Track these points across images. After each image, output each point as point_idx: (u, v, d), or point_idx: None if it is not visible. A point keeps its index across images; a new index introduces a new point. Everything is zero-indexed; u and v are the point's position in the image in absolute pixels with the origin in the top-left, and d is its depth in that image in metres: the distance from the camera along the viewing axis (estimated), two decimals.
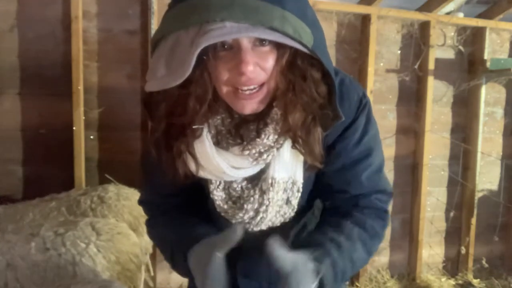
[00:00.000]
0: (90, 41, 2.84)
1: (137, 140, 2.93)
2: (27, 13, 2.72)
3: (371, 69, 3.35)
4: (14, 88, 2.74)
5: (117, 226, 1.94)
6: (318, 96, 0.90)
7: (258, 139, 0.94)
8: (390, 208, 1.11)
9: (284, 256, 0.85)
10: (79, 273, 1.57)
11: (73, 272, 1.57)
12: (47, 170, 2.82)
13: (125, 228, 1.99)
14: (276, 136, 0.95)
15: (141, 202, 1.23)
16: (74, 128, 2.75)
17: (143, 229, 2.23)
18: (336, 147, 1.02)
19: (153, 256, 2.80)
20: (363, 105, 1.03)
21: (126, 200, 2.32)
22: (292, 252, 0.86)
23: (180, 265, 1.02)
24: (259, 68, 0.86)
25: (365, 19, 3.36)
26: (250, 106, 0.90)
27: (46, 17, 2.75)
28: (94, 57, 2.87)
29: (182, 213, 1.13)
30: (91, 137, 2.89)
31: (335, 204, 1.07)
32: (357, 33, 3.42)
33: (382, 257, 3.75)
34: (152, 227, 1.19)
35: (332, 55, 3.35)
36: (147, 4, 2.89)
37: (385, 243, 3.73)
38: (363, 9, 3.32)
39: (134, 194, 2.42)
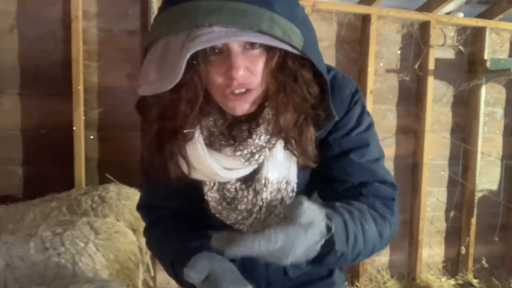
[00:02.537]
0: (90, 41, 2.85)
1: (137, 140, 2.93)
2: (27, 13, 2.72)
3: (371, 69, 3.35)
4: (14, 88, 2.74)
5: (115, 225, 1.94)
6: (309, 97, 0.90)
7: (249, 140, 0.94)
8: (396, 199, 1.07)
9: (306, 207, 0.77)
10: (79, 272, 1.57)
11: (73, 271, 1.57)
12: (47, 170, 2.82)
13: (123, 227, 1.99)
14: (268, 136, 0.95)
15: (139, 207, 1.23)
16: (74, 128, 2.75)
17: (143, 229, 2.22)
18: (327, 139, 1.01)
19: (153, 257, 2.79)
20: (355, 100, 1.02)
21: (127, 200, 2.32)
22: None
23: (182, 280, 1.02)
24: (250, 72, 0.86)
25: (365, 19, 3.36)
26: (241, 107, 0.90)
27: (46, 17, 2.76)
28: (94, 57, 2.87)
29: (179, 222, 1.13)
30: (91, 137, 2.89)
31: (338, 197, 1.04)
32: (357, 33, 3.42)
33: (382, 257, 3.75)
34: (150, 239, 1.20)
35: (332, 55, 3.35)
36: (147, 4, 2.89)
37: None
38: (363, 9, 3.32)
39: (135, 194, 2.42)
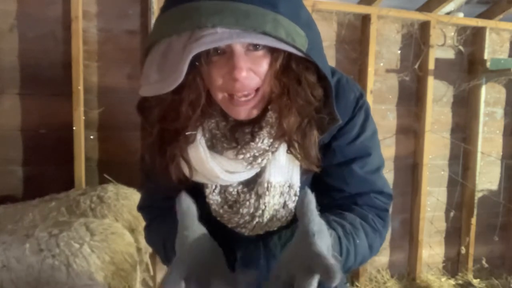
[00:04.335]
0: (90, 41, 2.84)
1: (137, 140, 2.93)
2: (27, 13, 2.72)
3: (371, 69, 3.35)
4: (14, 88, 2.73)
5: (111, 226, 1.93)
6: (313, 100, 0.89)
7: (252, 143, 0.93)
8: (390, 210, 1.09)
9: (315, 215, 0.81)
10: (73, 274, 1.57)
11: (67, 273, 1.57)
12: (47, 170, 2.82)
13: (120, 228, 1.99)
14: (271, 140, 0.94)
15: (140, 208, 1.22)
16: (74, 128, 2.75)
17: (143, 228, 2.23)
18: (331, 146, 1.01)
19: (153, 256, 2.80)
20: (359, 105, 1.01)
21: (126, 200, 2.32)
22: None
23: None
24: (253, 73, 0.85)
25: (365, 19, 3.35)
26: (245, 112, 0.90)
27: (46, 17, 2.75)
28: (94, 57, 2.86)
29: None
30: (91, 137, 2.89)
31: (334, 204, 1.05)
32: (357, 33, 3.41)
33: (382, 257, 3.75)
34: (149, 232, 1.19)
35: (332, 55, 3.35)
36: (147, 4, 2.89)
37: (385, 243, 3.73)
38: (363, 9, 3.32)
39: (133, 194, 2.42)
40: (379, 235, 1.03)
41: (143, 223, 1.78)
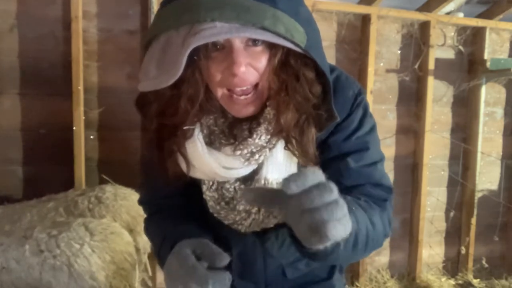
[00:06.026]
0: (90, 41, 2.84)
1: (137, 140, 2.93)
2: (27, 13, 2.72)
3: (371, 69, 3.35)
4: (14, 88, 2.74)
5: (110, 226, 1.94)
6: (312, 96, 0.89)
7: (250, 139, 0.93)
8: (391, 202, 1.03)
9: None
10: (75, 275, 1.57)
11: (69, 274, 1.57)
12: (47, 170, 2.82)
13: (118, 228, 1.99)
14: (268, 136, 0.94)
15: (140, 202, 1.22)
16: (74, 128, 2.75)
17: (141, 228, 2.23)
18: (328, 141, 1.00)
19: (151, 256, 2.80)
20: (358, 102, 1.01)
21: (124, 200, 2.32)
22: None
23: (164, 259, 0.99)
24: (252, 69, 0.85)
25: (365, 19, 3.35)
26: (245, 110, 0.90)
27: (46, 17, 2.76)
28: (94, 57, 2.87)
29: (179, 210, 1.12)
30: (91, 137, 2.89)
31: None
32: (357, 33, 3.41)
33: (382, 257, 3.75)
34: (148, 224, 1.18)
35: (332, 55, 3.35)
36: (147, 4, 2.89)
37: (385, 243, 3.72)
38: (363, 9, 3.32)
39: (131, 194, 2.42)
40: (379, 214, 0.96)
41: (141, 224, 1.78)
